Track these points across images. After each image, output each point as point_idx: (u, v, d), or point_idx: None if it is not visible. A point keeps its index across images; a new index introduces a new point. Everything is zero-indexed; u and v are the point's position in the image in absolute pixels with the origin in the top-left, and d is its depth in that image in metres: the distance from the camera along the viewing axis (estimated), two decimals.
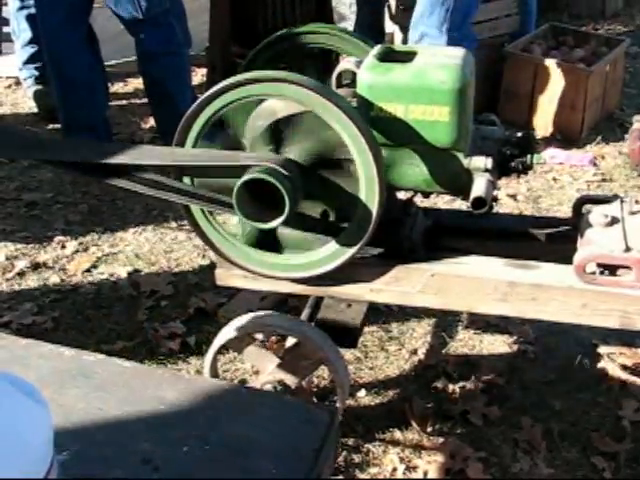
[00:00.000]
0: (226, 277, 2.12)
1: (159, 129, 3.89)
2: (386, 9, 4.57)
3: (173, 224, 3.30)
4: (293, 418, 1.21)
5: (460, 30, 3.65)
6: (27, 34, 4.27)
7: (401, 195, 2.16)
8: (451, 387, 2.43)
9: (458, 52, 1.95)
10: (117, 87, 4.60)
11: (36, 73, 4.33)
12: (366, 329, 2.56)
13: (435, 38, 3.61)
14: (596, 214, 1.98)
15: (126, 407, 1.22)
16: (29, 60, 4.34)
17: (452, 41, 3.55)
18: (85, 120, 3.71)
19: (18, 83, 4.62)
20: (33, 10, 4.16)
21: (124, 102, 4.48)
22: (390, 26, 4.60)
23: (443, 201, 3.26)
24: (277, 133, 1.93)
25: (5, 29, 4.50)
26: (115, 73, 4.48)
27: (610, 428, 2.30)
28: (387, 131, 1.90)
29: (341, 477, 2.13)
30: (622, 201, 2.05)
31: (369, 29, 4.31)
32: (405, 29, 4.30)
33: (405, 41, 4.17)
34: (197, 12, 4.44)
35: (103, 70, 3.87)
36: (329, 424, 1.18)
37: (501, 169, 1.98)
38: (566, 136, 4.06)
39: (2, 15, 4.05)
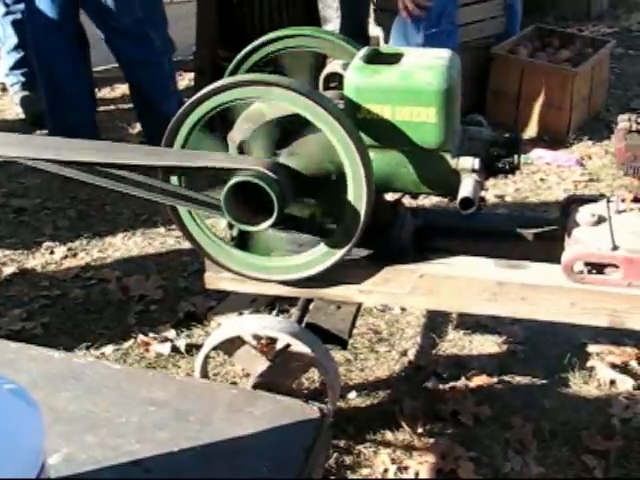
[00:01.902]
0: (215, 280, 2.12)
1: (146, 135, 3.89)
2: (372, 12, 4.60)
3: (162, 229, 3.30)
4: (284, 417, 1.22)
5: (438, 26, 3.68)
6: (13, 40, 4.27)
7: (389, 196, 2.16)
8: (441, 387, 2.44)
9: (444, 53, 1.96)
10: (104, 92, 4.60)
11: (23, 79, 4.33)
12: (356, 331, 2.56)
13: (412, 36, 3.64)
14: (583, 213, 2.00)
15: (117, 409, 1.22)
16: (15, 66, 4.34)
17: (430, 38, 3.58)
18: (72, 124, 3.71)
19: (5, 89, 4.62)
20: (19, 16, 4.17)
21: (112, 107, 4.48)
22: (376, 29, 4.62)
23: (431, 202, 3.27)
24: (265, 136, 1.93)
25: None
26: (102, 78, 4.47)
27: (600, 426, 2.30)
28: (374, 133, 1.91)
29: (332, 478, 2.13)
30: (609, 200, 2.07)
31: (353, 32, 4.33)
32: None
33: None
34: (184, 17, 4.44)
35: (90, 75, 3.87)
36: (320, 423, 1.18)
37: (488, 170, 1.99)
38: (553, 136, 4.08)
39: None
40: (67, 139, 1.92)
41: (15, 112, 4.40)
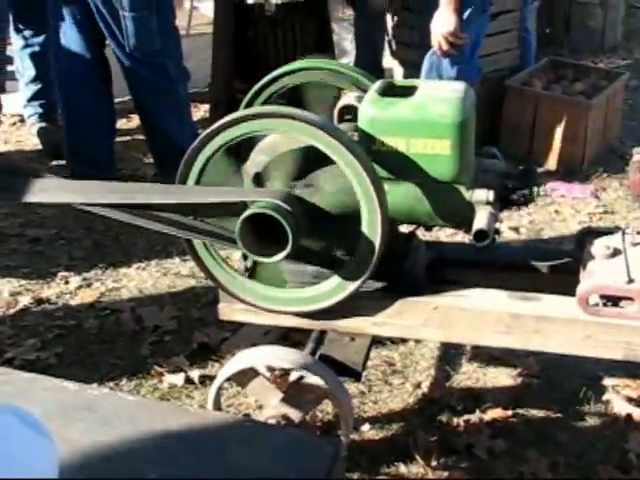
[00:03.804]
0: (229, 312, 2.12)
1: (157, 165, 3.90)
2: (387, 45, 4.63)
3: (176, 259, 3.30)
4: (298, 450, 1.21)
5: (469, 63, 3.69)
6: (31, 72, 4.32)
7: (403, 228, 2.16)
8: (455, 420, 2.42)
9: (459, 86, 1.97)
10: (120, 123, 4.62)
11: (40, 110, 4.38)
12: (370, 363, 2.55)
13: (446, 70, 3.64)
14: (598, 246, 1.99)
15: (131, 440, 1.22)
16: (33, 97, 4.38)
17: (460, 72, 3.59)
18: (88, 148, 3.74)
19: (22, 121, 4.66)
20: (37, 48, 4.23)
21: (128, 138, 4.51)
22: (390, 61, 4.65)
23: (445, 234, 3.27)
24: (279, 168, 1.94)
25: (9, 68, 4.55)
26: (119, 110, 4.51)
27: (616, 461, 2.28)
28: (389, 165, 1.91)
29: None
30: (624, 233, 2.06)
31: (367, 65, 4.35)
32: (405, 64, 4.35)
33: (406, 76, 4.21)
34: (200, 49, 4.48)
35: (112, 103, 3.90)
36: (334, 456, 1.17)
37: (503, 202, 1.99)
38: (567, 169, 4.08)
39: (6, 54, 4.10)
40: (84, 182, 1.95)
41: (32, 143, 4.44)
